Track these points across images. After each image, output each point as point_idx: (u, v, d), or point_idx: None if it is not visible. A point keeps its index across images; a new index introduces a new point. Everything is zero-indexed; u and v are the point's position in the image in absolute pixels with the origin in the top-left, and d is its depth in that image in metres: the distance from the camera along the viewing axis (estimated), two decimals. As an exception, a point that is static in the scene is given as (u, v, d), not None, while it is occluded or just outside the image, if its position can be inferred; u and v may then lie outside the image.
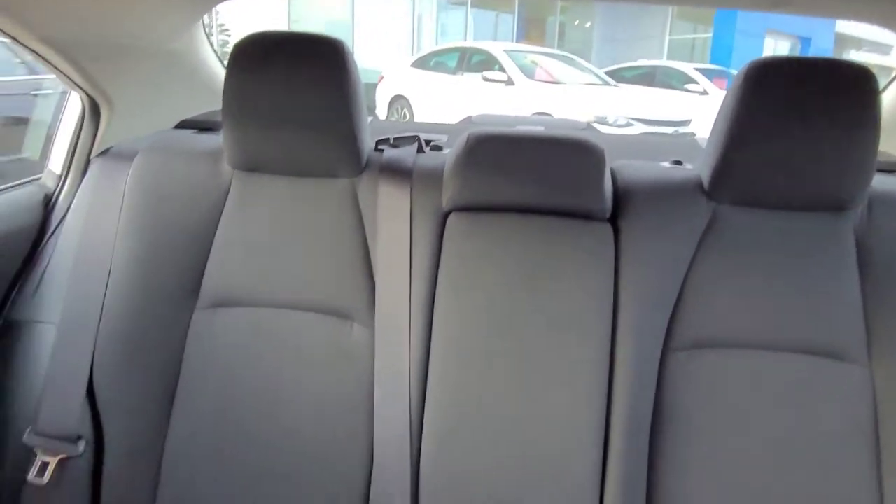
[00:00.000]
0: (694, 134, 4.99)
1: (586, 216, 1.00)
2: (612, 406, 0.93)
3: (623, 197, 1.01)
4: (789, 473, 0.92)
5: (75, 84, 1.02)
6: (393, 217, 1.01)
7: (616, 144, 1.26)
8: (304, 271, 1.01)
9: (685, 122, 6.01)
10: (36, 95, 3.51)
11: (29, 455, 0.89)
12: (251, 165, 1.03)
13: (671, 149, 1.19)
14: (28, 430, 0.90)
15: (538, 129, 0.99)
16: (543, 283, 0.97)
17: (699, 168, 1.04)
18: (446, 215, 1.01)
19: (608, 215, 1.00)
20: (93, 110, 1.08)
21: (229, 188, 1.04)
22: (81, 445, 0.92)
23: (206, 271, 1.02)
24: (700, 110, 6.14)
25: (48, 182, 1.07)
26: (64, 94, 1.11)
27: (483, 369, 0.95)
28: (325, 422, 0.96)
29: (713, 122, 0.99)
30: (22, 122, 3.30)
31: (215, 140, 1.09)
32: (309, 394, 0.97)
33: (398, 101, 7.34)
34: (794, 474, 0.92)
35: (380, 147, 1.11)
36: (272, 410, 0.97)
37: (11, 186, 1.04)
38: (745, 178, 0.96)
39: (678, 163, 1.12)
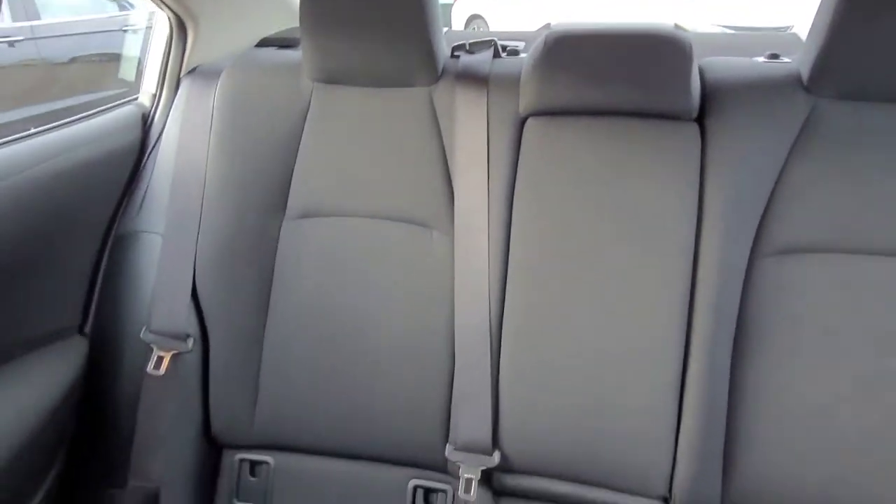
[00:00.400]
0: (792, 27, 4.58)
1: (671, 116, 0.96)
2: (694, 313, 0.92)
3: (711, 95, 0.96)
4: (884, 389, 0.89)
5: (163, 2, 1.06)
6: (470, 124, 1.00)
7: (705, 42, 1.19)
8: (384, 181, 1.04)
9: (785, 28, 5.54)
10: (125, 31, 3.65)
11: (147, 350, 0.99)
12: (330, 77, 1.05)
13: (767, 45, 1.11)
14: (144, 328, 1.00)
15: (620, 26, 0.95)
16: (625, 187, 0.95)
17: (798, 61, 0.97)
18: (524, 121, 1.00)
19: (695, 115, 0.96)
20: (180, 30, 1.12)
21: (310, 102, 1.06)
22: (190, 343, 1.00)
23: (292, 183, 1.06)
24: (803, 12, 5.63)
25: (145, 102, 1.13)
26: (150, 29, 1.16)
27: (561, 274, 0.96)
28: (409, 324, 1.00)
29: (816, 10, 0.91)
30: (116, 57, 3.46)
31: (295, 56, 1.11)
32: (392, 299, 1.01)
33: (474, 21, 7.14)
34: (888, 391, 0.89)
35: (455, 54, 1.10)
36: (358, 314, 1.02)
37: (112, 107, 1.10)
38: (849, 68, 0.89)
39: (774, 56, 1.04)
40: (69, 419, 0.98)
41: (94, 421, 1.00)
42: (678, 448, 0.91)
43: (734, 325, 0.91)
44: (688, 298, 0.92)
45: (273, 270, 1.05)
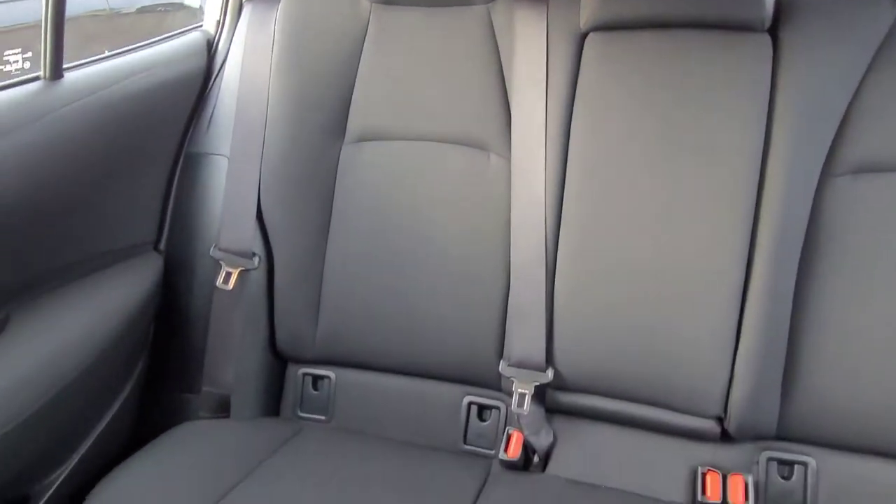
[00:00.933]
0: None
1: (742, 27, 0.92)
2: (758, 232, 0.90)
3: (786, 4, 0.91)
4: None
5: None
6: (528, 42, 0.99)
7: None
8: (442, 103, 1.04)
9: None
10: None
11: (216, 266, 1.04)
12: None
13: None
14: (213, 245, 1.05)
15: None
16: (690, 103, 0.92)
17: None
18: (584, 36, 0.98)
19: (768, 25, 0.92)
20: (241, -44, 1.14)
21: (368, 23, 1.06)
22: (256, 261, 1.05)
23: (351, 107, 1.07)
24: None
25: (209, 28, 1.16)
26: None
27: (620, 193, 0.94)
28: (465, 245, 1.02)
29: None
30: (181, 7, 3.53)
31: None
32: (449, 220, 1.03)
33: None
34: None
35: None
36: (415, 235, 1.04)
37: (178, 34, 1.14)
38: None
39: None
40: (148, 327, 1.04)
41: (170, 331, 1.07)
42: (735, 368, 0.90)
43: (800, 246, 0.88)
44: (752, 217, 0.90)
45: (333, 193, 1.08)
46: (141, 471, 0.89)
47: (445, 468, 0.97)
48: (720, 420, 0.93)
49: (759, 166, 0.90)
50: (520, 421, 0.97)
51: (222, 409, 1.06)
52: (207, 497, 0.83)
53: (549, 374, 0.96)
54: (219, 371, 1.05)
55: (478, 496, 0.90)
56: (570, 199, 0.96)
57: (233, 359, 1.05)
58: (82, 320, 0.92)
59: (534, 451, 0.98)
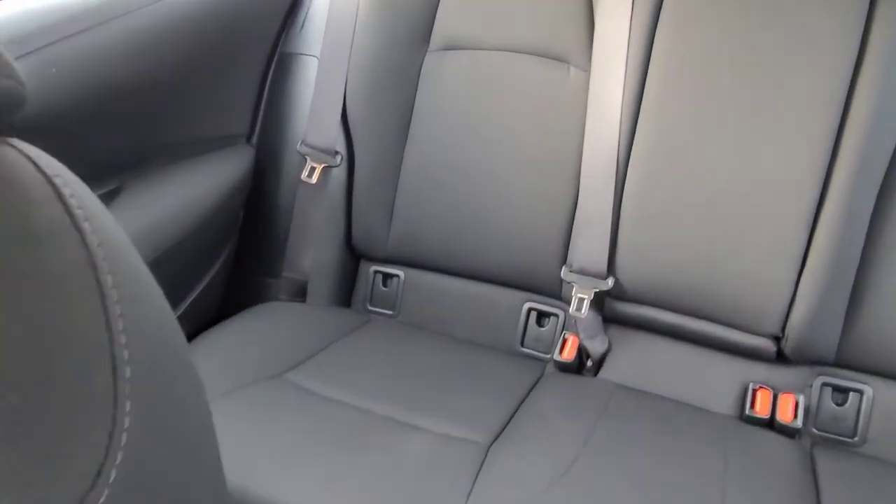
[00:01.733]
0: None
1: None
2: (839, 154, 0.89)
3: None
4: None
5: None
6: (618, -47, 0.99)
7: None
8: (526, 14, 1.05)
9: None
10: None
11: (302, 161, 1.11)
12: None
13: None
14: (300, 141, 1.12)
15: None
16: (779, 24, 0.90)
17: None
18: None
19: None
20: None
21: None
22: (338, 159, 1.11)
23: (437, 15, 1.11)
24: None
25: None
26: None
27: (698, 111, 0.95)
28: (538, 155, 1.05)
29: None
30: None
31: None
32: (524, 129, 1.06)
33: None
34: None
35: None
36: (490, 143, 1.07)
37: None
38: None
39: None
40: (238, 212, 1.13)
41: (257, 218, 1.16)
42: (799, 289, 0.91)
43: (884, 168, 0.87)
44: (834, 137, 0.88)
45: (414, 99, 1.12)
46: (225, 338, 0.99)
47: (501, 365, 1.02)
48: (777, 340, 0.94)
49: (847, 85, 0.88)
50: (577, 326, 1.01)
51: (299, 294, 1.14)
52: (282, 364, 0.92)
53: (610, 282, 0.99)
54: (298, 258, 1.14)
55: (530, 391, 0.96)
56: (646, 114, 0.97)
57: (311, 249, 1.13)
58: (181, 197, 1.01)
59: (588, 356, 1.02)
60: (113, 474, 0.22)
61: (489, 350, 1.07)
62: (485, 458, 0.79)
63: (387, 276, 1.18)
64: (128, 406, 0.23)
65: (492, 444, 0.82)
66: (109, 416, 0.23)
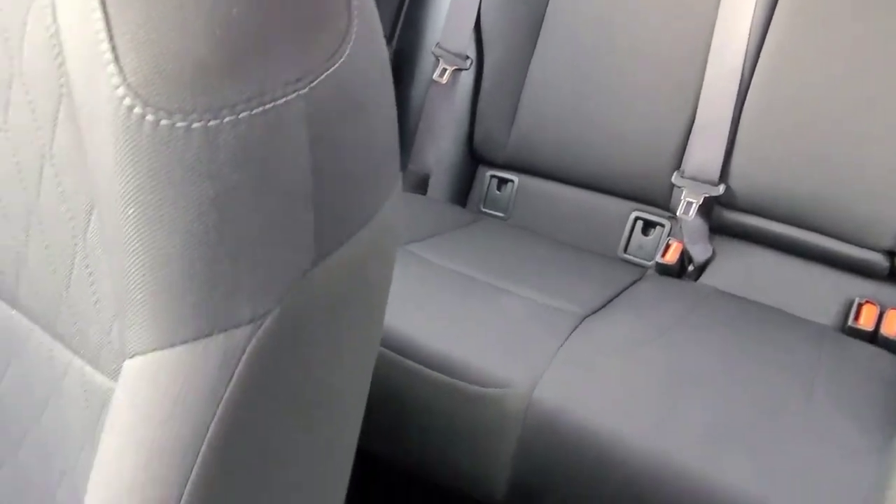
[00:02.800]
0: None
1: None
2: None
3: None
4: None
5: None
6: None
7: None
8: None
9: None
10: None
11: (435, 62, 1.21)
12: None
13: None
14: (436, 44, 1.21)
15: None
16: None
17: None
18: None
19: None
20: None
21: None
22: (468, 63, 1.20)
23: None
24: None
25: None
26: None
27: (827, 30, 0.94)
28: (662, 62, 1.08)
29: None
30: None
31: None
32: (651, 35, 1.09)
33: None
34: None
35: None
36: (616, 51, 1.12)
37: None
38: None
39: None
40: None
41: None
42: None
43: None
44: None
45: (545, 8, 1.18)
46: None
47: (604, 263, 1.07)
48: (891, 255, 0.93)
49: None
50: (682, 230, 1.04)
51: (420, 187, 1.25)
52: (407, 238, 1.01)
53: (721, 188, 1.01)
54: (423, 154, 1.23)
55: (629, 286, 1.00)
56: (777, 22, 0.98)
57: (435, 146, 1.23)
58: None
59: (690, 261, 1.05)
60: None
61: (593, 252, 1.12)
62: (578, 324, 0.85)
63: (502, 181, 1.26)
64: None
65: (587, 316, 0.87)
66: None
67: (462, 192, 1.29)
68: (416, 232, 1.05)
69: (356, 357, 0.38)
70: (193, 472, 0.28)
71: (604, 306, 0.92)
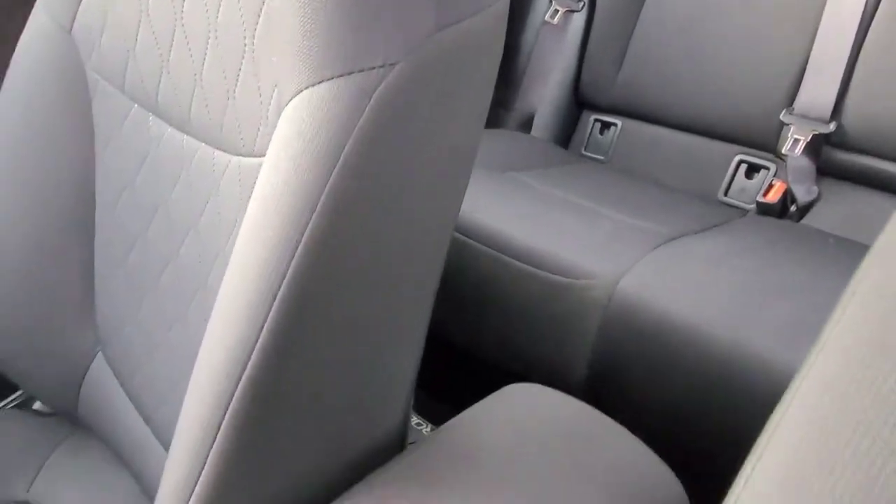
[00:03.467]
0: None
1: None
2: None
3: None
4: None
5: None
6: None
7: None
8: None
9: None
10: None
11: (548, 5, 1.25)
12: None
13: None
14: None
15: None
16: None
17: None
18: None
19: None
20: None
21: None
22: (580, 5, 1.24)
23: None
24: None
25: None
26: None
27: None
28: (777, 8, 1.07)
29: None
30: None
31: None
32: None
33: None
34: None
35: None
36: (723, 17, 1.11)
37: None
38: None
39: None
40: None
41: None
42: None
43: None
44: None
45: None
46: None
47: (702, 203, 1.08)
48: None
49: None
50: (787, 168, 1.03)
51: (525, 126, 1.30)
52: (505, 166, 1.07)
53: (832, 126, 0.99)
54: (530, 94, 1.29)
55: (724, 223, 1.01)
56: None
57: (542, 88, 1.27)
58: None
59: (793, 201, 1.03)
60: None
61: (693, 194, 1.13)
62: (665, 242, 0.87)
63: (604, 125, 1.29)
64: None
65: (675, 238, 0.89)
66: None
67: (565, 135, 1.33)
68: (518, 164, 1.11)
69: (455, 152, 0.44)
70: (306, 233, 0.34)
71: (697, 233, 0.93)
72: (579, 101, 1.31)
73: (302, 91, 0.37)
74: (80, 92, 0.59)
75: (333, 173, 0.34)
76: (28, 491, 0.65)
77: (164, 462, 0.55)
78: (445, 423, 0.40)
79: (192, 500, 0.36)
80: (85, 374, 0.65)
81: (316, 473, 0.37)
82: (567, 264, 0.78)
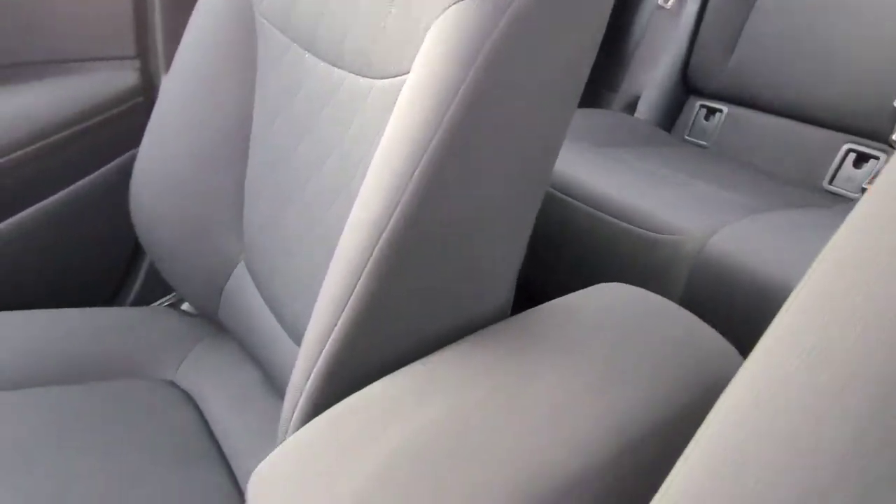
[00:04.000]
0: None
1: None
2: None
3: None
4: None
5: None
6: None
7: None
8: None
9: None
10: None
11: (661, -11, 1.28)
12: None
13: None
14: (665, -27, 1.29)
15: None
16: None
17: None
18: None
19: None
20: None
21: None
22: (695, -8, 1.26)
23: None
24: None
25: None
26: None
27: None
28: (884, 3, 1.05)
29: None
30: None
31: None
32: None
33: None
34: None
35: None
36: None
37: None
38: None
39: None
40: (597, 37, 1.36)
41: (612, 36, 1.37)
42: None
43: None
44: None
45: None
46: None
47: (803, 188, 1.08)
48: None
49: None
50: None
51: (629, 108, 1.33)
52: (606, 143, 1.11)
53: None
54: (637, 77, 1.32)
55: (826, 207, 1.01)
56: None
57: (652, 69, 1.31)
58: None
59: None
60: None
61: (792, 184, 1.13)
62: (761, 211, 0.88)
63: (710, 112, 1.30)
64: None
65: (771, 210, 0.90)
66: None
67: (668, 119, 1.35)
68: (618, 141, 1.15)
69: (566, 82, 0.50)
70: (434, 141, 0.41)
71: (795, 208, 0.94)
72: (686, 86, 1.33)
73: (448, 8, 0.44)
74: (248, 33, 0.70)
75: (468, 78, 0.41)
76: (175, 374, 0.77)
77: (294, 354, 0.64)
78: (543, 304, 0.47)
79: (329, 342, 0.44)
80: (227, 281, 0.76)
81: (432, 330, 0.44)
82: (659, 221, 0.82)
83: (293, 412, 0.41)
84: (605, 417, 0.36)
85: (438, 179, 0.41)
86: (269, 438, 0.69)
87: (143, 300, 0.92)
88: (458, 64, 0.42)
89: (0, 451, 0.59)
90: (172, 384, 0.75)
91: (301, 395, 0.41)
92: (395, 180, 0.42)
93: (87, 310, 0.79)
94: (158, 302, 0.91)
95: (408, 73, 0.48)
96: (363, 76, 0.56)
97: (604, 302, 0.49)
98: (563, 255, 0.90)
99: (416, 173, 0.40)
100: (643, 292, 0.50)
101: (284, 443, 0.37)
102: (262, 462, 0.37)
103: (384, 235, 0.42)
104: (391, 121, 0.46)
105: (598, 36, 0.51)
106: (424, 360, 0.41)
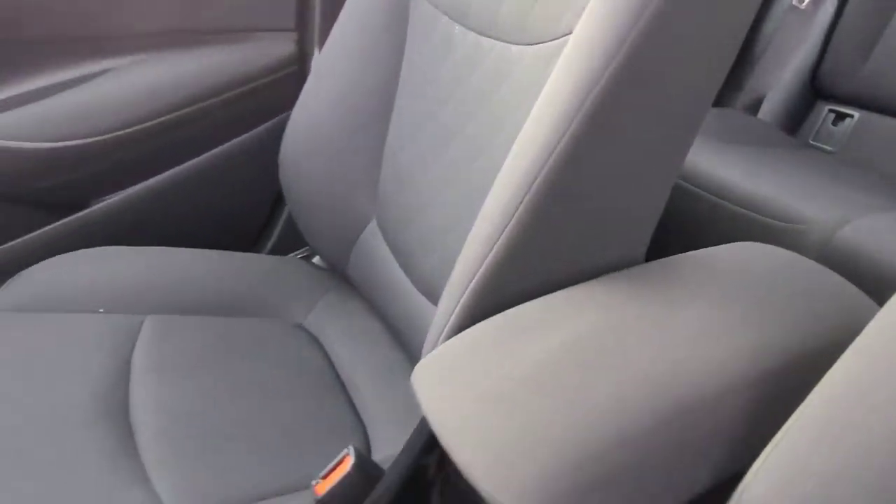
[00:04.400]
0: None
1: None
2: None
3: None
4: None
5: None
6: None
7: None
8: None
9: None
10: None
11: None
12: None
13: None
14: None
15: None
16: None
17: None
18: None
19: None
20: None
21: None
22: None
23: None
24: None
25: None
26: None
27: None
28: None
29: None
30: None
31: None
32: None
33: None
34: None
35: None
36: None
37: None
38: None
39: None
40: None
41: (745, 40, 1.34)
42: None
43: None
44: None
45: None
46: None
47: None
48: None
49: None
50: None
51: (753, 109, 1.31)
52: (729, 141, 1.10)
53: None
54: (764, 77, 1.29)
55: None
56: None
57: (779, 70, 1.27)
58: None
59: None
60: None
61: None
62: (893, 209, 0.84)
63: (839, 116, 1.25)
64: None
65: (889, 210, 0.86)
66: None
67: (793, 122, 1.31)
68: (739, 139, 1.13)
69: (704, 86, 0.51)
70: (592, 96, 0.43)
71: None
72: (814, 90, 1.29)
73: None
74: (401, 10, 0.75)
75: (634, 31, 0.44)
76: (304, 319, 0.83)
77: (423, 308, 0.68)
78: (674, 255, 0.49)
79: (477, 276, 0.48)
80: (358, 236, 0.82)
81: (576, 269, 0.47)
82: (786, 209, 0.81)
83: (448, 319, 0.45)
84: (744, 347, 0.39)
85: (597, 125, 0.43)
86: (391, 383, 0.74)
87: (279, 252, 1.00)
88: (627, 13, 0.44)
89: (170, 361, 0.68)
90: (302, 327, 0.82)
91: (457, 304, 0.45)
92: (555, 124, 0.45)
93: (233, 253, 0.87)
94: (292, 254, 0.99)
95: (567, 34, 0.51)
96: (514, 43, 0.59)
97: (744, 255, 0.50)
98: (682, 242, 0.90)
99: (578, 118, 0.43)
100: (781, 249, 0.51)
101: (450, 340, 0.41)
102: (428, 355, 0.41)
103: (543, 174, 0.44)
104: (553, 73, 0.48)
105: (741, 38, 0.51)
106: (575, 286, 0.44)
